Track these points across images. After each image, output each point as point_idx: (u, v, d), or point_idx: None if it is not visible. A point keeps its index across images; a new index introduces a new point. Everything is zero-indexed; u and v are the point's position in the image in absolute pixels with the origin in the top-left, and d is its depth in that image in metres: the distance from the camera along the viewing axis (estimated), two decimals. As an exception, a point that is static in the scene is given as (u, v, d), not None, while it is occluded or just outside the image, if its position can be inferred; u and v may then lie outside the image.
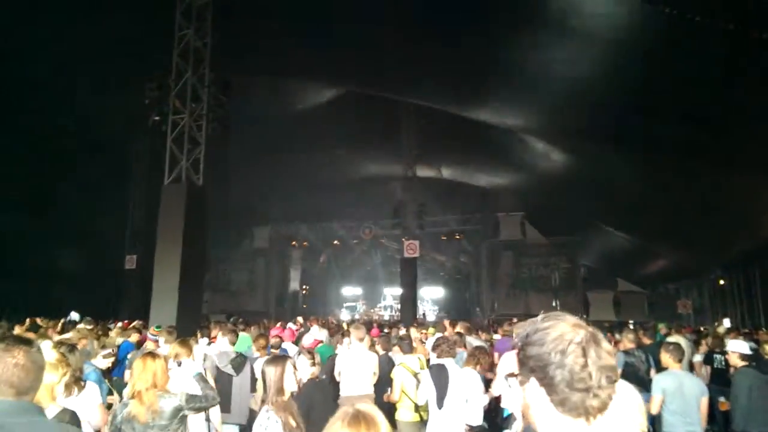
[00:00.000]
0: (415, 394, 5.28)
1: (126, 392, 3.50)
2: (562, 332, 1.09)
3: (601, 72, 10.51)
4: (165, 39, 10.85)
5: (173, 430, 3.30)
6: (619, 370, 5.25)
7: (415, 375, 5.45)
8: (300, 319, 9.74)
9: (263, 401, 3.20)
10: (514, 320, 11.33)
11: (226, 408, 5.04)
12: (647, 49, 9.31)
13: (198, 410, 3.60)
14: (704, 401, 4.64)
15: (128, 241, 20.48)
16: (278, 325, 9.49)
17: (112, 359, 5.22)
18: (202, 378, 3.84)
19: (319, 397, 4.02)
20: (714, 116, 10.22)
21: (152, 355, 3.48)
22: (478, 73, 12.74)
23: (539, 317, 1.17)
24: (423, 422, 5.28)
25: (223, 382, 5.03)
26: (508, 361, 4.78)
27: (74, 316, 11.82)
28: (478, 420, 4.72)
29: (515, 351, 1.17)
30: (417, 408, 5.27)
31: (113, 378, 5.73)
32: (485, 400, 4.77)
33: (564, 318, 1.13)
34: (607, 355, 1.08)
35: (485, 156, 19.89)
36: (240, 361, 5.33)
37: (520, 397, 3.17)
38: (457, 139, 18.59)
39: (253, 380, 5.45)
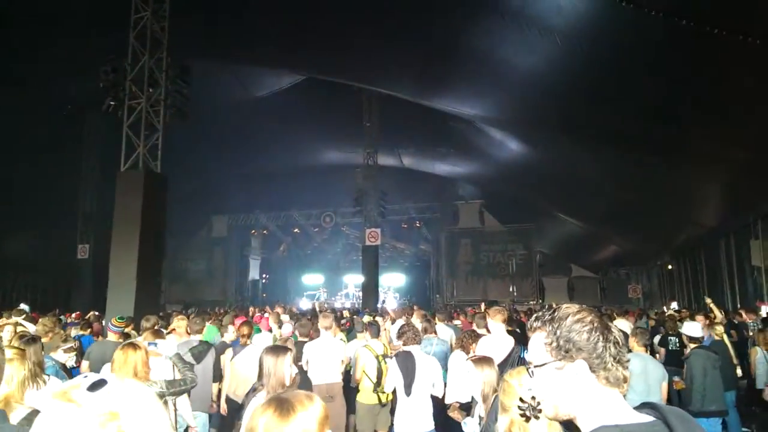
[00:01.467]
0: (375, 376, 5.40)
1: None
2: (591, 318, 1.26)
3: (556, 63, 10.73)
4: (121, 21, 10.46)
5: None
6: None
7: (377, 357, 5.55)
8: (277, 309, 9.56)
9: (255, 389, 3.18)
10: (482, 306, 11.50)
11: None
12: (602, 42, 9.57)
13: (179, 394, 3.59)
14: (664, 385, 4.86)
15: (80, 229, 19.78)
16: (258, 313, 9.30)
17: (74, 353, 5.06)
18: (180, 359, 3.82)
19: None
20: (664, 109, 10.61)
21: (132, 346, 3.42)
22: (438, 61, 12.80)
23: (559, 307, 1.32)
24: (381, 405, 5.40)
25: None
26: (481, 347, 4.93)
27: (24, 308, 11.38)
28: (466, 397, 4.87)
29: (546, 340, 1.27)
30: (375, 389, 5.39)
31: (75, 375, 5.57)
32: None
33: (580, 306, 1.31)
34: (620, 333, 1.30)
35: (445, 144, 20.08)
36: (201, 349, 5.28)
37: (480, 383, 3.28)
38: (417, 127, 18.70)
39: (217, 370, 5.42)
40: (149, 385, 3.34)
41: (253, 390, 3.20)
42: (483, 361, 3.52)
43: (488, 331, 5.46)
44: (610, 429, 1.16)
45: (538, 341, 1.29)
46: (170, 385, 3.47)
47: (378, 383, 5.42)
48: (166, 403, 3.46)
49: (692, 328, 5.44)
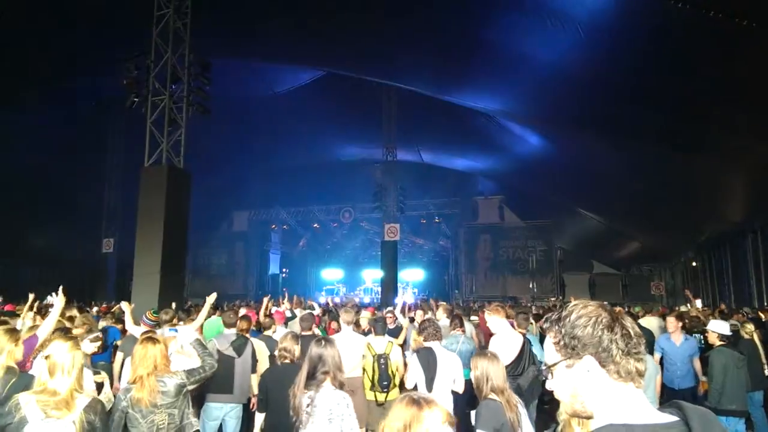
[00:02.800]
0: (371, 375, 5.41)
1: (127, 377, 3.50)
2: (599, 312, 1.24)
3: (578, 56, 10.59)
4: (143, 19, 10.60)
5: (178, 406, 3.40)
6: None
7: (374, 356, 5.48)
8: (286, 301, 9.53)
9: (319, 381, 3.34)
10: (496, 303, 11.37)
11: (228, 389, 5.14)
12: (623, 35, 9.41)
13: (199, 382, 3.65)
14: (658, 379, 4.76)
15: (105, 223, 20.16)
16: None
17: (99, 343, 5.17)
18: (200, 344, 3.87)
19: (277, 385, 4.03)
20: (689, 103, 10.42)
21: (152, 340, 3.46)
22: (458, 56, 12.73)
23: (566, 305, 1.32)
24: (377, 404, 5.36)
25: (225, 364, 5.04)
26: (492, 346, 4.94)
27: (51, 300, 11.62)
28: None
29: (554, 340, 1.27)
30: (372, 388, 5.39)
31: (98, 363, 5.68)
32: None
33: (588, 302, 1.29)
34: (635, 325, 1.26)
35: (464, 140, 20.00)
36: (241, 342, 5.34)
37: (474, 379, 3.26)
38: (436, 122, 18.65)
39: (254, 361, 5.48)
40: (170, 376, 3.39)
41: (317, 381, 3.36)
42: (479, 356, 3.50)
43: (485, 330, 5.43)
44: (617, 428, 1.13)
45: (549, 342, 1.29)
46: (190, 375, 3.51)
47: (373, 383, 5.41)
48: (187, 392, 3.51)
49: (720, 325, 5.34)
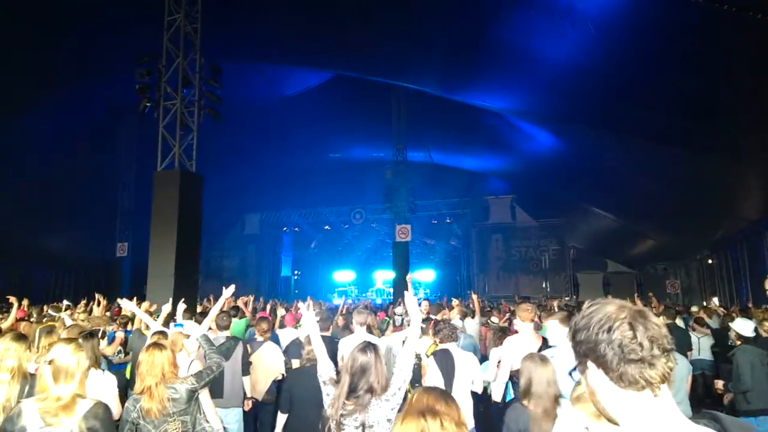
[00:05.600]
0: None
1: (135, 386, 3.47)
2: (606, 312, 1.13)
3: (589, 53, 10.49)
4: (154, 23, 10.68)
5: (191, 412, 3.31)
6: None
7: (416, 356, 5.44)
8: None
9: (364, 400, 2.87)
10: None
11: (218, 393, 5.07)
12: (635, 32, 9.31)
13: (208, 384, 3.53)
14: (688, 379, 4.67)
15: (119, 227, 20.34)
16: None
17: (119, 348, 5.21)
18: (206, 339, 3.78)
19: (301, 386, 3.99)
20: (703, 100, 10.28)
21: (158, 346, 3.31)
22: (465, 55, 12.68)
23: (585, 305, 1.21)
24: None
25: None
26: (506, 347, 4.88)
27: (67, 304, 11.71)
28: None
29: (571, 343, 1.20)
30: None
31: (120, 370, 5.72)
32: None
33: (609, 302, 1.17)
34: (655, 326, 1.11)
35: (474, 139, 19.92)
36: (228, 345, 5.29)
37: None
38: (446, 122, 18.60)
39: (245, 363, 5.45)
40: (180, 382, 3.28)
41: (362, 401, 2.88)
42: (526, 359, 3.44)
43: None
44: None
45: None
46: (199, 378, 3.37)
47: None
48: (197, 398, 3.40)
49: (743, 325, 5.23)
